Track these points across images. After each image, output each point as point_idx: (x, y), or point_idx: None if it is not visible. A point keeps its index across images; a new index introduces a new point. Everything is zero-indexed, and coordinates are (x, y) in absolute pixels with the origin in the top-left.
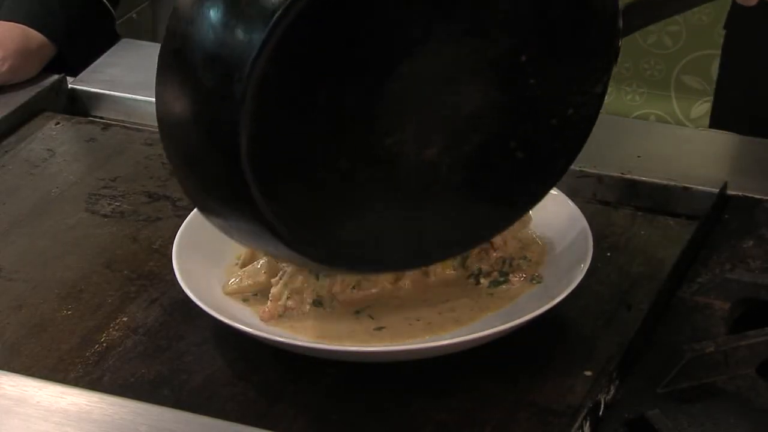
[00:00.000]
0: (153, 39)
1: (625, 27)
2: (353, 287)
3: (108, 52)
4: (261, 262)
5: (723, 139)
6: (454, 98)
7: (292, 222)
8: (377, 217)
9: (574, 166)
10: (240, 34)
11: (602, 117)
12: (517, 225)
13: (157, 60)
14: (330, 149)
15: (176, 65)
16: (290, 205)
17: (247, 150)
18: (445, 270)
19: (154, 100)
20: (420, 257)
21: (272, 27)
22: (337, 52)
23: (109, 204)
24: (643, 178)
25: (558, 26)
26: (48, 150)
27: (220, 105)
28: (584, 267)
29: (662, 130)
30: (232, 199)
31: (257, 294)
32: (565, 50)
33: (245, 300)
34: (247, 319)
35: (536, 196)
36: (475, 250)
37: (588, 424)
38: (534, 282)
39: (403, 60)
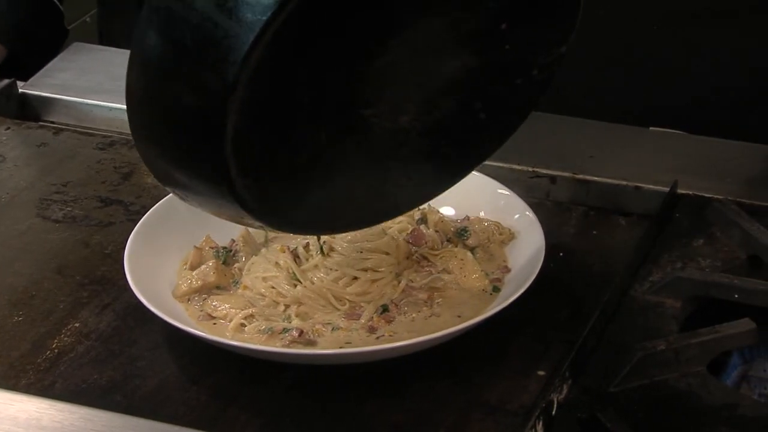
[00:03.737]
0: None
1: None
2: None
3: (59, 56)
4: (210, 263)
5: (673, 139)
6: (433, 69)
7: (264, 196)
8: (347, 182)
9: (528, 167)
10: (236, 18)
11: (554, 117)
12: (504, 241)
13: (109, 64)
14: (311, 127)
15: (157, 42)
16: (264, 182)
17: (232, 136)
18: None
19: (105, 104)
20: (381, 215)
21: (272, 16)
22: (329, 39)
23: (61, 209)
24: (596, 178)
25: None
26: None
27: (207, 89)
28: (535, 271)
29: (614, 130)
30: (206, 178)
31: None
32: (541, 13)
33: (189, 301)
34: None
35: (487, 153)
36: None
37: (541, 423)
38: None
39: (392, 36)
